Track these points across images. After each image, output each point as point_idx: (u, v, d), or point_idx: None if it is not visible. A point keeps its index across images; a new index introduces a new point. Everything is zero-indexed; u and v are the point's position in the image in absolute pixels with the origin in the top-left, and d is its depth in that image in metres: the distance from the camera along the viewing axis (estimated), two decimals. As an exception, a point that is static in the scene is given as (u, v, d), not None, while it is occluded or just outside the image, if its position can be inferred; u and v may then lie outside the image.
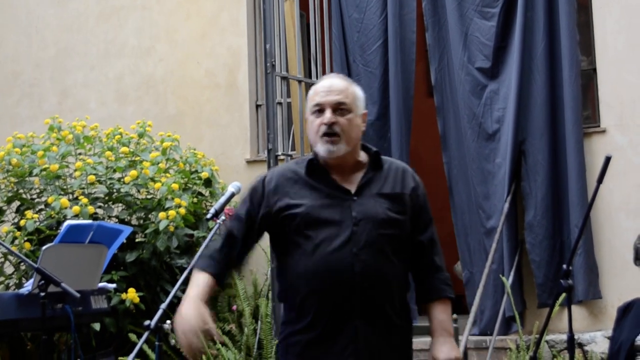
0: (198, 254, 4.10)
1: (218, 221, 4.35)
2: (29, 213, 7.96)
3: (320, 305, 3.84)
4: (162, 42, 10.12)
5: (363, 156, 4.07)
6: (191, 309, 3.90)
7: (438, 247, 4.12)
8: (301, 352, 3.89)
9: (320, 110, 3.94)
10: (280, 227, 3.93)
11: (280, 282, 4.05)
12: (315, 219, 3.87)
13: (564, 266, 4.42)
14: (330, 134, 3.90)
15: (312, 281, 3.84)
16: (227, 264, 4.01)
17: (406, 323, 4.01)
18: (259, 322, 8.25)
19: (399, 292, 3.95)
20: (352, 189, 3.95)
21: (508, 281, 7.96)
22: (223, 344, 8.09)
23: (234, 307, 8.56)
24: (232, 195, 4.50)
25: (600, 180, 4.37)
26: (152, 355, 7.44)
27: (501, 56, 8.45)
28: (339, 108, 3.93)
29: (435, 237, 4.11)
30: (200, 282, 3.97)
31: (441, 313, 4.02)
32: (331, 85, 3.98)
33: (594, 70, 8.43)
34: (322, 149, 3.93)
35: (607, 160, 4.35)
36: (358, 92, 4.05)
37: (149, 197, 8.63)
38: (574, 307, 7.89)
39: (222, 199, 4.42)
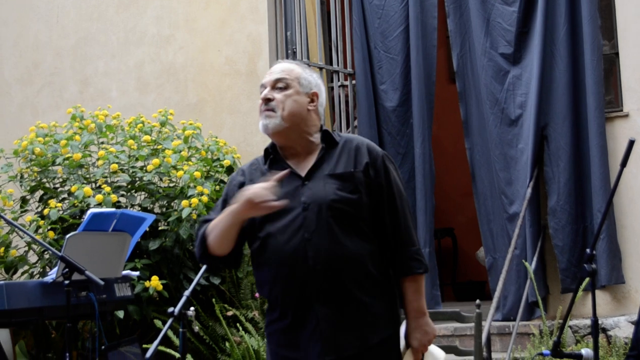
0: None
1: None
2: (53, 202, 7.99)
3: (285, 295, 3.87)
4: (181, 30, 10.12)
5: (318, 138, 4.06)
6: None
7: (405, 221, 3.99)
8: (278, 341, 3.95)
9: (264, 88, 4.03)
10: (246, 224, 3.93)
11: (254, 275, 4.09)
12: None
13: (588, 250, 4.40)
14: (267, 109, 3.96)
15: (273, 272, 3.89)
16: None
17: (380, 298, 3.92)
18: (282, 309, 8.25)
19: (362, 270, 3.87)
20: (304, 173, 3.95)
21: (531, 266, 7.95)
22: (246, 330, 8.11)
23: (257, 294, 8.58)
24: (256, 182, 4.50)
25: (624, 164, 4.36)
26: (177, 342, 7.46)
27: (523, 41, 8.43)
28: (277, 86, 3.98)
29: (403, 209, 4.00)
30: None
31: (411, 292, 3.96)
32: (275, 67, 4.07)
33: (616, 54, 8.39)
34: (260, 125, 4.00)
35: (631, 144, 4.34)
36: (305, 73, 4.07)
37: (171, 185, 8.65)
38: (597, 292, 7.87)
39: (246, 187, 4.42)
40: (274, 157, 4.05)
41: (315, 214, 3.85)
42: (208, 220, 3.98)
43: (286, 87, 3.97)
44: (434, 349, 4.07)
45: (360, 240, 3.88)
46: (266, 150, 4.06)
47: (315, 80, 4.09)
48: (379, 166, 3.97)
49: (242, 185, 3.99)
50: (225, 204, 3.99)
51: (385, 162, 4.00)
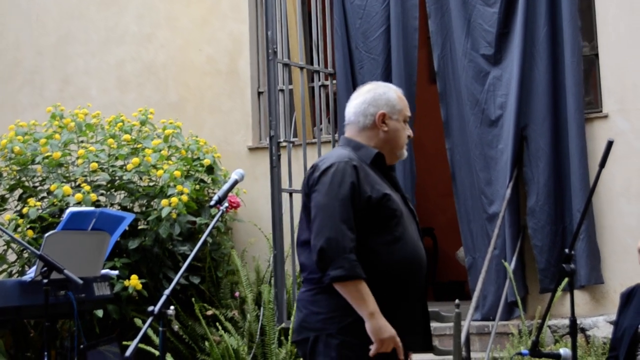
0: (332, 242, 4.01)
1: (221, 208, 4.36)
2: (32, 201, 7.97)
3: (408, 287, 4.16)
4: (162, 29, 10.10)
5: None
6: (390, 326, 4.01)
7: None
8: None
9: (407, 122, 4.38)
10: (375, 214, 4.10)
11: (372, 264, 4.10)
12: (400, 209, 4.18)
13: (567, 250, 4.43)
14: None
15: (410, 266, 4.14)
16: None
17: None
18: (262, 308, 8.27)
19: None
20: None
21: (510, 266, 7.98)
22: (226, 330, 8.10)
23: (237, 294, 8.58)
24: (236, 182, 4.50)
25: (602, 164, 4.38)
26: (156, 341, 7.45)
27: (504, 42, 8.45)
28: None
29: None
30: (369, 294, 4.01)
31: None
32: (405, 99, 4.41)
33: (596, 55, 8.43)
34: (404, 154, 4.38)
35: (609, 144, 4.36)
36: None
37: (151, 184, 8.64)
38: (576, 292, 7.93)
39: (226, 186, 4.42)
40: (377, 162, 4.27)
41: (417, 224, 4.32)
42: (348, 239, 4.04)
43: None
44: None
45: None
46: (380, 155, 4.28)
47: None
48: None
49: (359, 170, 4.13)
50: (356, 192, 4.09)
51: None
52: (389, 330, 3.96)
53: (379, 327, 3.96)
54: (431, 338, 4.30)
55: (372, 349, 3.97)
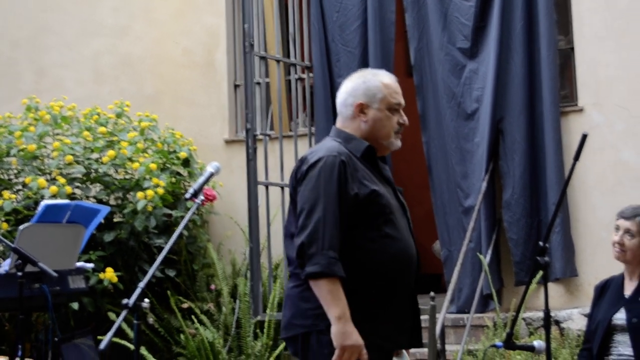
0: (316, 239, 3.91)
1: (197, 201, 4.34)
2: (7, 193, 7.93)
3: (397, 286, 4.06)
4: (139, 21, 10.06)
5: None
6: (357, 334, 3.86)
7: None
8: (372, 327, 4.00)
9: (397, 109, 4.22)
10: (363, 211, 4.01)
11: (364, 260, 4.01)
12: (390, 205, 4.08)
13: (540, 243, 4.44)
14: (401, 131, 4.26)
15: (399, 264, 4.06)
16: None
17: None
18: (237, 301, 8.27)
19: None
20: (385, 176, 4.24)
21: (486, 259, 8.01)
22: (201, 323, 8.10)
23: (213, 287, 8.58)
24: (211, 175, 4.48)
25: (576, 157, 4.39)
26: (131, 334, 7.44)
27: (480, 36, 8.47)
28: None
29: None
30: (341, 296, 3.86)
31: None
32: (398, 86, 4.26)
33: (572, 49, 8.46)
34: (395, 143, 4.22)
35: (584, 138, 4.37)
36: None
37: (127, 177, 8.61)
38: (550, 285, 7.92)
39: (201, 179, 4.40)
40: (368, 155, 4.17)
41: (409, 219, 4.22)
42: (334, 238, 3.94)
43: None
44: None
45: None
46: (370, 148, 4.17)
47: None
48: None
49: (347, 165, 4.01)
50: (343, 189, 3.98)
51: None
52: (354, 338, 3.81)
53: (343, 332, 3.82)
54: (421, 333, 4.23)
55: (334, 356, 3.82)
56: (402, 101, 4.23)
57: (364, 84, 4.19)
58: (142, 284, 4.07)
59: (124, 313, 4.00)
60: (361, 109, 4.16)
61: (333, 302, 3.83)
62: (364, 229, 3.99)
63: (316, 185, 3.96)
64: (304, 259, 3.88)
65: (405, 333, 4.13)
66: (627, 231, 5.26)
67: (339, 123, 4.23)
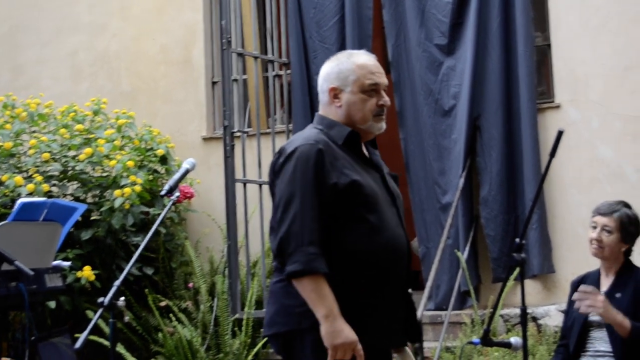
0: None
1: (172, 197, 4.33)
2: (-17, 191, 7.90)
3: (386, 279, 3.89)
4: (116, 18, 10.03)
5: None
6: (349, 329, 3.71)
7: None
8: (360, 321, 3.81)
9: (376, 90, 3.99)
10: (344, 201, 3.83)
11: (347, 253, 3.85)
12: (378, 195, 3.92)
13: (517, 240, 4.44)
14: (384, 114, 4.04)
15: (387, 256, 3.88)
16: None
17: None
18: (215, 299, 8.26)
19: None
20: (373, 163, 4.08)
21: (463, 256, 8.02)
22: (179, 321, 8.08)
23: (190, 285, 8.56)
24: (187, 171, 4.47)
25: (552, 154, 4.40)
26: (108, 332, 7.41)
27: (457, 33, 8.48)
28: (385, 89, 4.05)
29: None
30: (326, 292, 3.72)
31: None
32: (379, 66, 4.06)
33: (549, 45, 8.48)
34: (376, 126, 4.01)
35: (560, 134, 4.38)
36: None
37: (104, 174, 8.59)
38: (528, 282, 7.99)
39: (177, 175, 4.39)
40: (351, 141, 3.98)
41: (401, 207, 4.06)
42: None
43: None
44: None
45: None
46: (352, 134, 3.97)
47: None
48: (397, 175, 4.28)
49: (325, 155, 3.83)
50: (321, 180, 3.82)
51: None
52: (345, 335, 3.66)
53: (332, 330, 3.66)
54: (418, 329, 4.22)
55: (328, 356, 3.67)
56: (381, 81, 4.01)
57: (337, 67, 4.00)
58: (117, 282, 4.06)
59: (99, 311, 4.00)
60: (335, 93, 3.98)
61: (318, 300, 3.69)
62: (346, 220, 3.82)
63: (292, 177, 3.80)
64: (284, 257, 3.75)
65: (398, 329, 3.96)
66: (604, 228, 5.27)
67: (321, 109, 4.07)
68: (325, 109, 4.03)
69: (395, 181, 4.15)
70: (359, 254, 3.83)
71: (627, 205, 5.36)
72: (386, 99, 4.01)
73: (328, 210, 3.79)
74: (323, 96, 4.03)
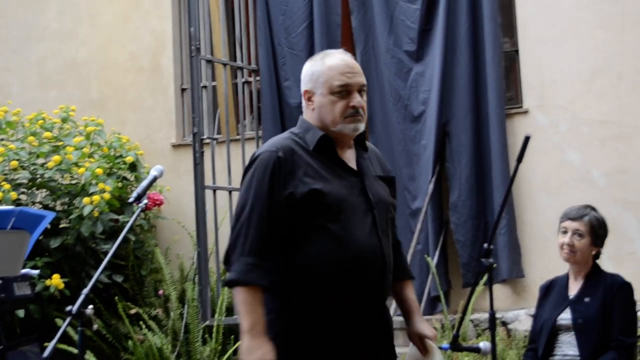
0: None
1: (140, 205, 4.31)
2: (-50, 200, 7.85)
3: (349, 292, 3.68)
4: (84, 26, 10.00)
5: None
6: (267, 349, 3.56)
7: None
8: (319, 332, 3.68)
9: (348, 91, 3.81)
10: (303, 211, 3.68)
11: (311, 263, 3.68)
12: (344, 202, 3.72)
13: (485, 245, 4.44)
14: (359, 114, 3.83)
15: (345, 267, 3.66)
16: (274, 265, 3.69)
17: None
18: (186, 306, 8.23)
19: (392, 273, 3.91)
20: (355, 168, 3.87)
21: (433, 261, 8.04)
22: (149, 328, 8.06)
23: (161, 292, 8.53)
24: (155, 178, 4.44)
25: (519, 159, 4.42)
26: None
27: (426, 39, 8.52)
28: (362, 89, 3.86)
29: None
30: (255, 307, 3.60)
31: (411, 293, 4.04)
32: (353, 66, 3.88)
33: (517, 51, 8.53)
34: (349, 127, 3.80)
35: (527, 139, 4.39)
36: None
37: (73, 182, 8.55)
38: (497, 286, 8.03)
39: (145, 183, 4.36)
40: (324, 145, 3.83)
41: (383, 213, 3.81)
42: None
43: (365, 92, 3.89)
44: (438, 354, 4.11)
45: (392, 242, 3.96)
46: (324, 137, 3.81)
47: None
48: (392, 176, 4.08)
49: (284, 163, 3.70)
50: (275, 189, 3.69)
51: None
52: (259, 353, 3.51)
53: (248, 346, 3.53)
54: (393, 350, 3.92)
55: None
56: (352, 81, 3.81)
57: (310, 69, 3.89)
58: (85, 290, 4.03)
59: (68, 320, 3.97)
60: (308, 96, 3.87)
61: (245, 312, 3.56)
62: (306, 230, 3.67)
63: (249, 185, 3.72)
64: (227, 266, 3.70)
65: (358, 347, 3.72)
66: (576, 232, 5.28)
67: (303, 112, 3.95)
68: (305, 112, 3.92)
69: (390, 183, 3.98)
70: (318, 267, 3.65)
71: (594, 209, 5.39)
72: (357, 100, 3.80)
73: (284, 221, 3.66)
74: (302, 98, 3.93)
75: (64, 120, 8.83)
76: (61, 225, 8.32)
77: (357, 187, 3.80)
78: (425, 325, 4.01)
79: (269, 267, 3.63)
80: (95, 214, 7.99)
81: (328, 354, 3.68)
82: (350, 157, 3.90)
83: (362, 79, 3.87)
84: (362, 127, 3.85)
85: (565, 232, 5.33)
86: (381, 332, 3.85)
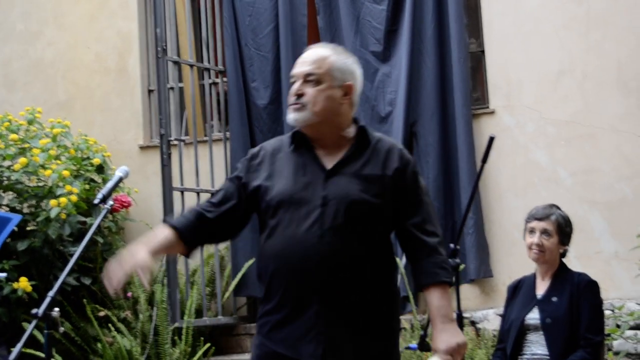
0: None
1: (106, 206, 4.29)
2: None
3: (286, 288, 3.73)
4: (50, 26, 9.94)
5: (352, 132, 3.91)
6: (141, 253, 3.78)
7: (432, 228, 3.86)
8: (268, 333, 3.78)
9: (295, 82, 3.86)
10: (256, 206, 3.88)
11: (256, 262, 4.01)
12: (288, 198, 3.76)
13: (451, 245, 4.47)
14: (297, 104, 3.81)
15: (278, 263, 3.73)
16: (201, 225, 3.90)
17: (381, 307, 3.81)
18: (155, 308, 8.21)
19: (369, 275, 3.75)
20: (330, 165, 3.83)
21: (402, 262, 8.05)
22: (118, 331, 8.03)
23: (129, 294, 8.50)
24: (120, 179, 4.42)
25: (484, 159, 4.45)
26: (44, 344, 7.34)
27: (392, 39, 8.54)
28: (308, 79, 3.82)
29: (430, 217, 3.88)
30: (155, 234, 3.89)
31: (437, 299, 3.78)
32: (306, 56, 3.89)
33: (482, 52, 8.56)
34: (289, 117, 3.84)
35: (491, 140, 4.42)
36: (340, 61, 3.89)
37: (39, 184, 8.50)
38: (466, 286, 8.07)
39: (110, 184, 4.33)
40: (301, 142, 3.88)
41: (333, 211, 3.71)
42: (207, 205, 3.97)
43: (318, 82, 3.81)
44: None
45: (373, 244, 3.79)
46: (295, 133, 3.88)
47: (349, 69, 3.91)
48: (408, 173, 3.86)
49: (253, 158, 3.93)
50: (235, 178, 3.98)
51: (415, 169, 3.91)
52: (133, 250, 3.83)
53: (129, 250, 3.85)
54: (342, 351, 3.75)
55: None
56: (297, 71, 3.87)
57: None
58: (51, 293, 4.01)
59: (34, 322, 3.95)
60: None
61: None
62: (259, 223, 3.90)
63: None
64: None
65: (305, 344, 3.72)
66: (544, 231, 5.32)
67: None
68: None
69: (377, 182, 3.81)
70: (258, 259, 3.88)
71: (558, 208, 5.44)
72: (295, 87, 3.84)
73: (251, 209, 3.93)
74: None
75: (30, 122, 8.78)
76: (28, 228, 8.28)
77: (317, 184, 3.78)
78: (440, 336, 3.75)
79: (188, 218, 3.91)
80: (63, 216, 7.95)
81: (274, 341, 3.78)
82: (335, 152, 3.86)
83: (306, 68, 3.84)
84: (302, 116, 3.81)
85: (532, 232, 5.37)
86: (344, 335, 3.73)
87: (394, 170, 3.83)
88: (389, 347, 3.85)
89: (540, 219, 5.36)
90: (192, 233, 3.89)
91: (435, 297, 3.78)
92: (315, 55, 3.88)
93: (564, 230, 5.36)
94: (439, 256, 3.84)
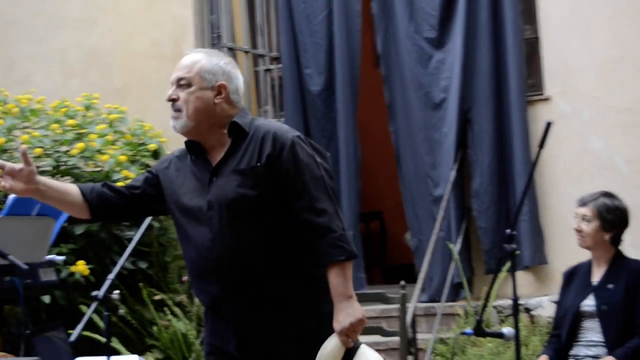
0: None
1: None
2: (-25, 187, 7.88)
3: (199, 291, 3.95)
4: (107, 14, 10.03)
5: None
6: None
7: (322, 205, 3.75)
8: (208, 328, 4.01)
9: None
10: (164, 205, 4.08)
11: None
12: (184, 207, 3.91)
13: (508, 231, 4.46)
14: (174, 110, 3.88)
15: (189, 270, 3.96)
16: (105, 197, 4.23)
17: (296, 292, 3.82)
18: (209, 292, 8.25)
19: (271, 265, 3.78)
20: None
21: (456, 248, 8.05)
22: (174, 314, 8.10)
23: (184, 278, 8.56)
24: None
25: (541, 145, 4.43)
26: (103, 326, 7.42)
27: (446, 26, 8.52)
28: (180, 84, 3.88)
29: (318, 195, 3.76)
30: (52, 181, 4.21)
31: (333, 277, 3.71)
32: (180, 62, 3.94)
33: (537, 38, 8.51)
34: (171, 126, 3.93)
35: (548, 125, 4.41)
36: (210, 64, 3.91)
37: (96, 169, 8.56)
38: (520, 273, 8.04)
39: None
40: (193, 149, 3.95)
41: (218, 214, 3.78)
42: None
43: (188, 85, 3.86)
44: (368, 351, 3.78)
45: (267, 235, 3.78)
46: (186, 143, 3.96)
47: (221, 70, 3.90)
48: (285, 156, 3.77)
49: (166, 168, 4.06)
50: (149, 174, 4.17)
51: (293, 150, 3.79)
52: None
53: None
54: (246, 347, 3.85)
55: None
56: (172, 77, 3.93)
57: None
58: (111, 276, 4.06)
59: (94, 305, 3.99)
60: None
61: None
62: None
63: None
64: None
65: (228, 338, 3.87)
66: (583, 217, 5.31)
67: None
68: None
69: (245, 174, 3.79)
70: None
71: (608, 195, 5.39)
72: (168, 93, 3.92)
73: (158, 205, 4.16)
74: None
75: (87, 108, 8.85)
76: (85, 212, 8.34)
77: (204, 189, 3.87)
78: (336, 316, 3.72)
79: (105, 186, 4.29)
80: (119, 201, 8.01)
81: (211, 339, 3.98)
82: (221, 152, 3.89)
83: (178, 73, 3.90)
84: (179, 123, 3.87)
85: (576, 218, 5.37)
86: (256, 324, 3.83)
87: (266, 157, 3.78)
88: (316, 327, 3.80)
89: (582, 205, 5.36)
90: (96, 196, 4.22)
91: (332, 276, 3.73)
92: (187, 61, 3.92)
93: (604, 216, 5.31)
94: (332, 234, 3.72)
